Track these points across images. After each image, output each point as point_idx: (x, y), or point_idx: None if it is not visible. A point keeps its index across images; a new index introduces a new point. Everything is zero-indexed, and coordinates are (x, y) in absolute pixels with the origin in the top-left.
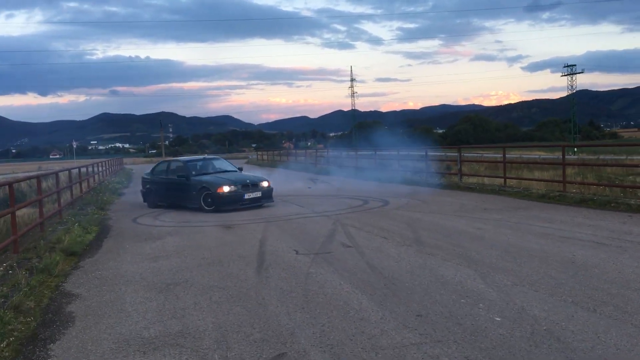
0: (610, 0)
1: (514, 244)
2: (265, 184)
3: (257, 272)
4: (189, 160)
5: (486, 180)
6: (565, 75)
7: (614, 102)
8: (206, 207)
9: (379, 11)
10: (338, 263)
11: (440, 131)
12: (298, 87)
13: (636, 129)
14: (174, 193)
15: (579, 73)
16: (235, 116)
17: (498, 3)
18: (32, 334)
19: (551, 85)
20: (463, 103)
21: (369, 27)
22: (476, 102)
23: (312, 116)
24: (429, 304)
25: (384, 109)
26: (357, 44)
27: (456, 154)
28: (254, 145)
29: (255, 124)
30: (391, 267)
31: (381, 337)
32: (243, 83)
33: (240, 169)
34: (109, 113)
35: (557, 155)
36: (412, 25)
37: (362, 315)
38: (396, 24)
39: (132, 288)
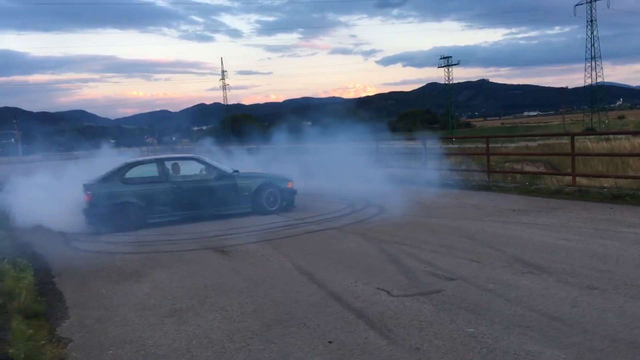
0: None
1: None
2: None
3: (390, 340)
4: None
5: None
6: (442, 67)
7: (460, 94)
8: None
9: (236, 3)
10: (488, 314)
11: (309, 123)
12: (156, 80)
13: (482, 119)
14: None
15: (455, 65)
16: (90, 111)
17: None
18: None
19: (404, 78)
20: (324, 95)
21: (227, 19)
22: (336, 95)
23: (173, 110)
24: None
25: (246, 102)
26: (216, 36)
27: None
28: (112, 141)
29: (112, 118)
30: (583, 320)
31: None
32: (96, 76)
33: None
34: None
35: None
36: (270, 19)
37: None
38: (254, 16)
39: None
